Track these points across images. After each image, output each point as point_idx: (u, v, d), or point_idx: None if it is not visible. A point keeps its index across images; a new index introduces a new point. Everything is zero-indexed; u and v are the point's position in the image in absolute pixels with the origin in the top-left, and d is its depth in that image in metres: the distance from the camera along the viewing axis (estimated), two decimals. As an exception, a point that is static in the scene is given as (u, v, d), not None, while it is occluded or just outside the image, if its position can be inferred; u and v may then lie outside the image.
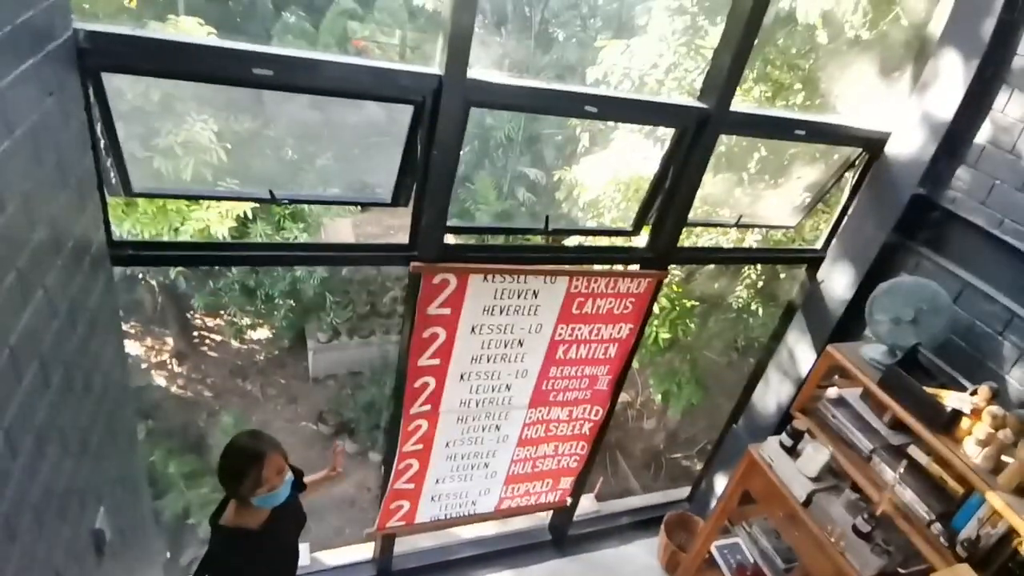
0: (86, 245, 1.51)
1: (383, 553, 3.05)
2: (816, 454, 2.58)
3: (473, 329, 2.35)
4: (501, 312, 2.35)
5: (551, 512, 3.48)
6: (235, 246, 3.42)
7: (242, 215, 6.54)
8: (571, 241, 4.19)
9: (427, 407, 2.49)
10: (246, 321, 8.81)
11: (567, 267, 2.42)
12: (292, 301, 8.36)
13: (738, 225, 3.21)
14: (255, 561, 1.83)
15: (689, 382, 7.70)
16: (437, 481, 2.79)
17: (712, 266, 6.18)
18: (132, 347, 8.52)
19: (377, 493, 7.56)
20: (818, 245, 3.15)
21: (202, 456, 7.20)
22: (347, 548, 3.34)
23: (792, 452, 2.67)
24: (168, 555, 5.94)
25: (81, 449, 1.44)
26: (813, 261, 3.14)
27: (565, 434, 2.92)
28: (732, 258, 3.28)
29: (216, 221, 6.51)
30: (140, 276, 7.90)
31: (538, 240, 4.89)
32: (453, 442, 2.68)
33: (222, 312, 9.09)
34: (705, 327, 7.49)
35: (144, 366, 8.56)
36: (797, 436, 2.67)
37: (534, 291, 2.36)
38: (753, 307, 6.41)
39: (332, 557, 3.26)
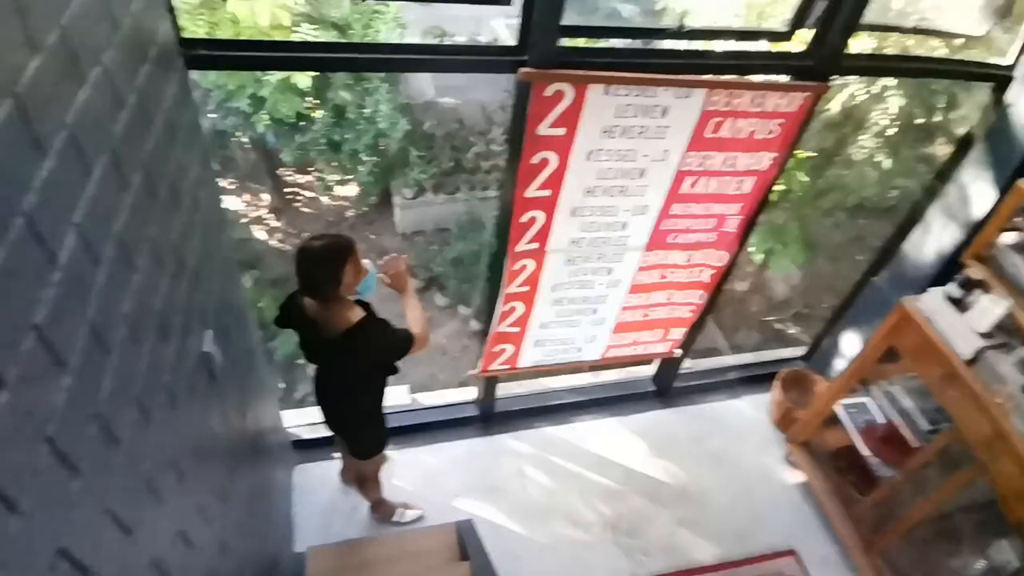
0: (149, 34, 1.27)
1: (486, 396, 3.03)
2: (992, 307, 2.18)
3: (589, 155, 2.02)
4: (623, 134, 1.99)
5: (656, 363, 3.32)
6: (324, 46, 3.07)
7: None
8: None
9: (534, 245, 2.26)
10: (334, 177, 8.84)
11: (705, 77, 1.97)
12: (375, 156, 8.29)
13: (916, 31, 2.55)
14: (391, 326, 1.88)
15: (796, 240, 7.17)
16: (542, 325, 2.63)
17: (834, 108, 5.36)
18: (231, 202, 8.82)
19: (466, 344, 7.83)
20: (1007, 61, 2.49)
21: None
22: (447, 391, 3.38)
23: (959, 305, 2.28)
24: (282, 386, 6.44)
25: (178, 268, 1.31)
26: (1001, 80, 2.50)
27: (682, 281, 2.64)
28: (910, 68, 2.66)
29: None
30: (232, 132, 7.94)
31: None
32: (560, 285, 2.47)
33: (310, 168, 9.17)
34: (817, 180, 6.81)
35: (244, 220, 8.91)
36: (968, 287, 2.26)
37: (663, 108, 1.96)
38: (879, 158, 5.61)
39: (434, 398, 3.31)
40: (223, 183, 8.79)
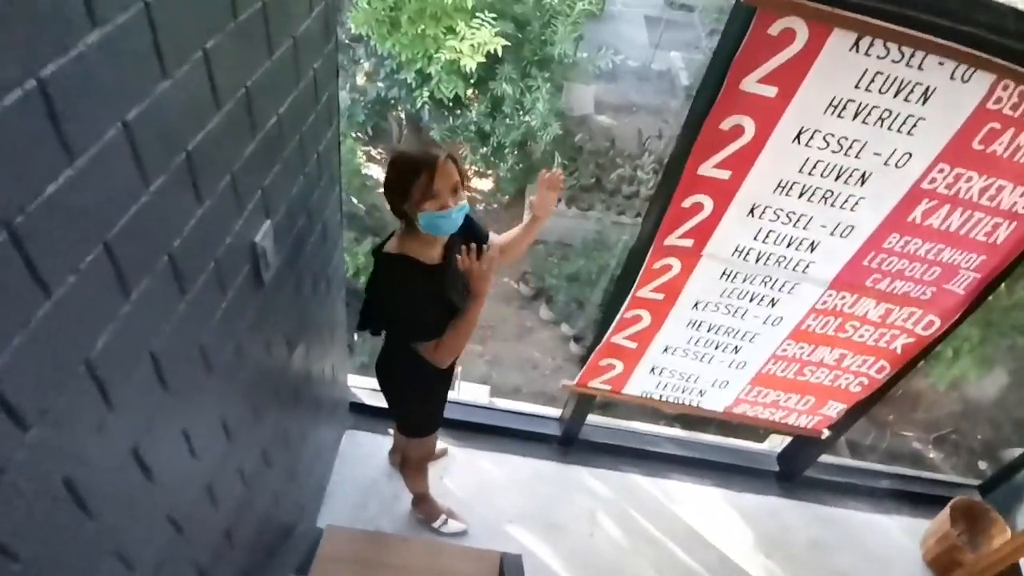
0: None
1: (573, 416, 2.55)
2: None
3: (800, 135, 1.51)
4: (857, 115, 1.46)
5: (788, 438, 2.67)
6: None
7: (493, 52, 6.31)
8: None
9: (688, 242, 1.77)
10: (476, 168, 8.80)
11: (997, 60, 1.40)
12: (519, 155, 8.17)
13: None
14: (418, 301, 1.48)
15: (972, 351, 6.08)
16: (666, 350, 2.12)
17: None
18: (374, 170, 9.04)
19: (560, 364, 7.34)
20: None
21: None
22: (530, 405, 2.94)
23: None
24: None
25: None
26: None
27: (865, 342, 2.02)
28: None
29: (467, 54, 6.39)
30: (394, 102, 8.11)
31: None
32: (705, 304, 1.95)
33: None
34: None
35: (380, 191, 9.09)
36: None
37: (926, 89, 1.41)
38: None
39: (516, 405, 2.88)
40: (372, 151, 9.07)
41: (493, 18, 6.35)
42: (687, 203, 1.67)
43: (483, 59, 6.31)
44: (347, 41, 7.41)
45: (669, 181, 1.67)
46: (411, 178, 1.36)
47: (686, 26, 12.89)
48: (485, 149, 8.03)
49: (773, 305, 1.94)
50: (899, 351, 2.02)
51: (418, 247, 1.48)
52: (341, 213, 1.89)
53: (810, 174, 1.59)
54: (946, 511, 2.52)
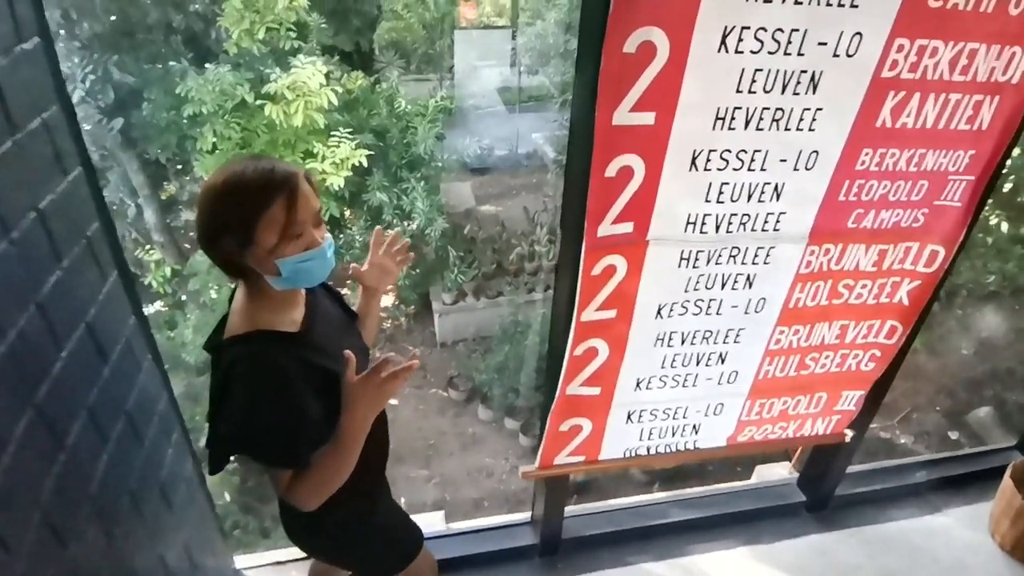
0: None
1: (548, 513, 1.94)
2: None
3: (726, 37, 1.14)
4: (784, -3, 1.13)
5: (801, 458, 2.19)
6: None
7: (358, 164, 6.11)
8: None
9: (626, 226, 1.32)
10: (370, 285, 8.31)
11: None
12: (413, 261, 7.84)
13: None
14: (297, 396, 1.02)
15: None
16: (638, 384, 1.62)
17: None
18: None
19: (515, 463, 6.62)
20: None
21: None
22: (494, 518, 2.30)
23: None
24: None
25: None
26: None
27: (865, 303, 1.62)
28: None
29: (332, 172, 6.15)
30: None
31: None
32: (670, 307, 1.49)
33: (347, 280, 8.68)
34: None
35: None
36: None
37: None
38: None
39: (477, 523, 2.22)
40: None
41: (350, 133, 6.18)
42: (611, 170, 1.24)
43: (350, 173, 6.07)
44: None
45: (579, 145, 1.24)
46: (258, 212, 0.94)
47: (540, 108, 13.55)
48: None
49: (750, 285, 1.51)
50: (906, 302, 1.64)
51: (270, 314, 1.05)
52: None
53: (751, 92, 1.22)
54: (1007, 483, 2.09)
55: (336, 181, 6.06)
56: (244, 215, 0.94)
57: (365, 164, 6.16)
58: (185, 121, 5.53)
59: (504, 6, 12.27)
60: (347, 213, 7.21)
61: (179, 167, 7.05)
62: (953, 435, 7.02)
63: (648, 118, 1.20)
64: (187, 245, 7.29)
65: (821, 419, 1.88)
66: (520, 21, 11.20)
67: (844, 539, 2.14)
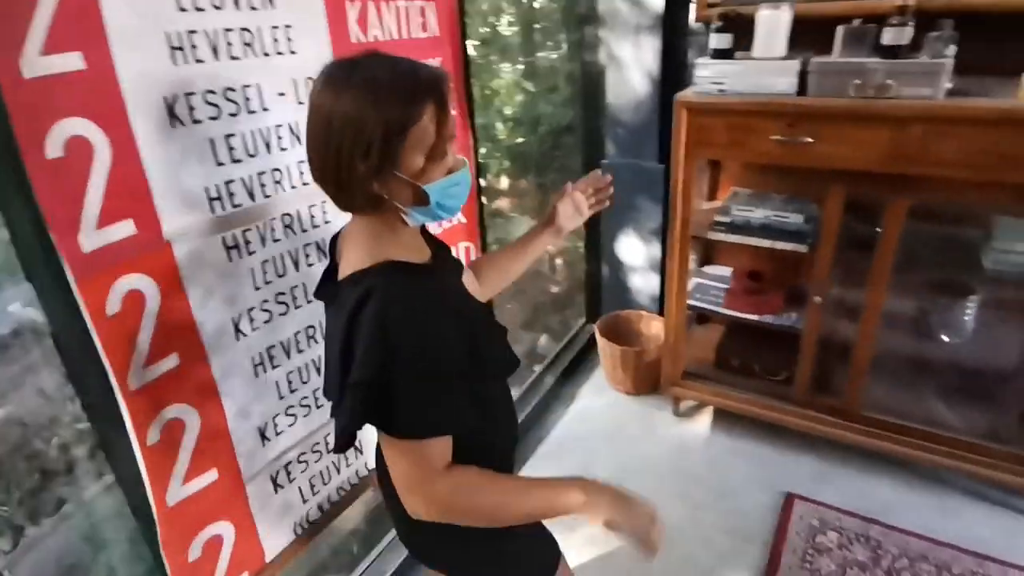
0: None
1: None
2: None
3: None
4: None
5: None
6: None
7: None
8: None
9: (126, 225, 0.90)
10: None
11: None
12: None
13: None
14: (450, 328, 0.79)
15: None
16: (262, 434, 1.21)
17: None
18: None
19: None
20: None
21: None
22: None
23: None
24: None
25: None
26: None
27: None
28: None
29: None
30: None
31: None
32: (247, 317, 1.13)
33: None
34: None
35: None
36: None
37: None
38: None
39: None
40: None
41: None
42: (54, 147, 0.81)
43: None
44: None
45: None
46: (404, 127, 0.72)
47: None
48: None
49: (307, 259, 1.27)
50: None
51: (402, 248, 0.83)
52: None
53: (198, 8, 0.96)
54: (602, 342, 2.48)
55: None
56: (388, 132, 0.71)
57: None
58: None
59: None
60: None
61: None
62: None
63: (75, 60, 0.82)
64: None
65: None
66: None
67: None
